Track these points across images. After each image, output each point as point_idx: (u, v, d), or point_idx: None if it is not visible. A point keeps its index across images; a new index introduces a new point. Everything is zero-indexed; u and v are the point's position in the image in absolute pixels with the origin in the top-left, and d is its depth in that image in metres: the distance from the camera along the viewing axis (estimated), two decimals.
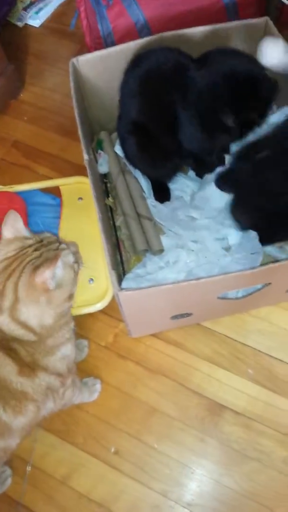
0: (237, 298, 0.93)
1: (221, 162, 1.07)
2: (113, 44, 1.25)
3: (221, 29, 1.05)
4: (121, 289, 0.78)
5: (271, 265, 0.80)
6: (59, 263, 0.68)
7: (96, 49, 1.14)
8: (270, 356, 1.00)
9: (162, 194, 1.14)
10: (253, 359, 1.00)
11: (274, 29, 1.06)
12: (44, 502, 0.89)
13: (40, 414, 0.76)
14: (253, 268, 0.79)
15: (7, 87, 1.36)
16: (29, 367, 0.71)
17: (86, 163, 0.92)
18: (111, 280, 0.79)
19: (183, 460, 0.91)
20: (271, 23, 1.07)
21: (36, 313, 0.69)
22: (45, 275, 0.66)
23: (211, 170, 1.09)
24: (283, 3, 1.22)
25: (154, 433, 0.94)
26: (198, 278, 0.78)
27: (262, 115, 0.89)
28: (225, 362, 1.00)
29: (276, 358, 1.00)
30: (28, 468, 0.91)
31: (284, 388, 0.97)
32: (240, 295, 0.94)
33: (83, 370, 1.00)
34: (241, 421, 0.94)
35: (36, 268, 0.67)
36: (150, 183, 1.15)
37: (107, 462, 0.92)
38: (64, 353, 0.77)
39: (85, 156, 0.93)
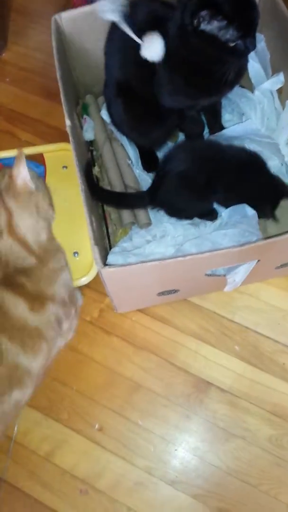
0: (224, 276, 0.90)
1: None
2: None
3: None
4: (104, 265, 0.74)
5: (260, 242, 0.77)
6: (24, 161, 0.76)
7: (82, 5, 1.06)
8: (257, 332, 0.99)
9: (150, 163, 1.09)
10: (239, 335, 0.98)
11: None
12: (27, 478, 0.88)
13: (51, 354, 0.80)
14: (241, 245, 0.76)
15: None
16: (38, 301, 0.76)
17: (68, 130, 0.87)
18: (94, 257, 0.75)
19: (167, 437, 0.90)
20: None
21: (30, 224, 0.76)
22: (22, 172, 0.74)
23: (200, 129, 1.04)
24: None
25: (138, 409, 0.93)
26: (184, 255, 0.75)
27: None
28: (212, 338, 0.98)
29: (262, 335, 0.98)
30: (11, 445, 0.90)
31: (269, 365, 0.96)
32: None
33: (66, 345, 0.98)
34: (227, 398, 0.93)
35: (10, 175, 0.76)
36: (137, 151, 1.10)
37: (90, 439, 0.91)
38: (64, 279, 0.84)
39: (67, 122, 0.87)
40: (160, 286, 0.88)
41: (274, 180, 0.92)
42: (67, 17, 0.98)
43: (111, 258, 0.95)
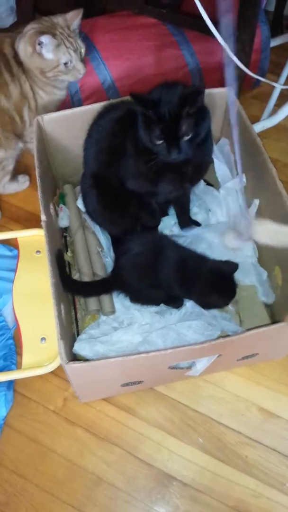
0: (188, 368, 0.92)
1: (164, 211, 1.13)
2: (79, 101, 1.27)
3: None
4: (68, 362, 0.76)
5: (221, 339, 0.81)
6: None
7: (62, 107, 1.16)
8: (221, 423, 0.99)
9: None
10: (203, 426, 0.99)
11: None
12: None
13: None
14: (202, 343, 0.79)
15: None
16: None
17: (43, 225, 0.92)
18: (59, 351, 0.77)
19: None
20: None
21: None
22: None
23: (154, 222, 1.11)
24: (245, 73, 1.28)
25: (99, 505, 0.90)
26: (148, 352, 0.78)
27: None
28: (176, 429, 0.98)
29: (226, 426, 0.99)
30: None
31: (232, 458, 0.96)
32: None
33: (27, 435, 0.96)
34: (189, 493, 0.92)
35: None
36: (109, 239, 1.16)
37: None
38: None
39: (43, 217, 0.92)
40: (124, 378, 0.89)
41: (214, 271, 0.95)
42: (48, 119, 1.06)
43: (77, 346, 0.97)
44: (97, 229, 1.15)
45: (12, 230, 1.23)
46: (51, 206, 1.07)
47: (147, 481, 0.93)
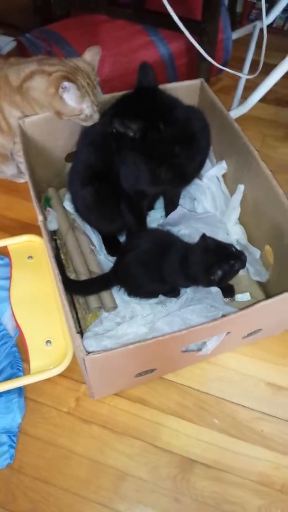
0: (199, 350, 0.94)
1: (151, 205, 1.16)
2: None
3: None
4: (88, 352, 0.76)
5: (233, 314, 0.83)
6: None
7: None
8: (232, 402, 1.02)
9: (113, 247, 1.15)
10: (217, 407, 1.01)
11: (208, 90, 1.14)
12: None
13: None
14: (215, 319, 0.81)
15: None
16: None
17: (40, 224, 0.91)
18: (76, 344, 0.77)
19: None
20: (205, 84, 1.15)
21: None
22: None
23: (140, 224, 1.11)
24: (212, 65, 1.32)
25: (126, 499, 0.90)
26: (163, 335, 0.79)
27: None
28: (191, 414, 1.00)
29: (238, 404, 1.01)
30: None
31: (249, 434, 0.98)
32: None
33: (44, 440, 0.95)
34: (213, 474, 0.93)
35: None
36: (100, 237, 1.16)
37: None
38: None
39: (39, 217, 0.92)
40: (139, 366, 0.90)
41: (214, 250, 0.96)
42: (29, 122, 1.06)
43: (86, 343, 0.96)
44: (87, 228, 1.16)
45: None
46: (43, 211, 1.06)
47: (170, 468, 0.93)
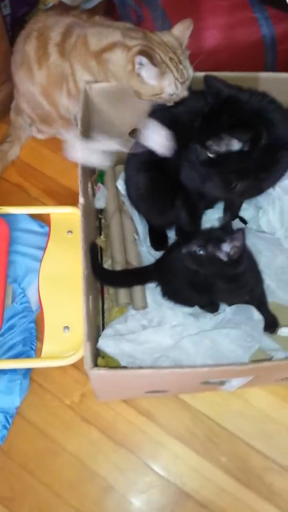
0: (221, 384, 0.83)
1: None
2: None
3: (252, 78, 0.96)
4: (93, 367, 0.68)
5: (265, 363, 0.72)
6: None
7: None
8: (247, 444, 0.91)
9: (159, 241, 1.05)
10: (228, 444, 0.91)
11: None
12: None
13: None
14: (242, 364, 0.70)
15: (12, 94, 1.26)
16: None
17: (80, 207, 0.83)
18: (85, 354, 0.69)
19: None
20: None
21: None
22: None
23: (193, 224, 0.99)
24: None
25: None
26: (182, 367, 0.70)
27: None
28: (198, 443, 0.91)
29: (253, 448, 0.91)
30: None
31: (255, 483, 0.88)
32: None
33: (39, 429, 0.90)
34: None
35: None
36: (147, 227, 1.06)
37: None
38: None
39: (80, 200, 0.83)
40: (149, 387, 0.81)
41: None
42: (97, 88, 0.96)
43: (102, 342, 0.89)
44: (135, 215, 1.06)
45: (45, 204, 1.15)
46: (89, 185, 0.98)
47: (161, 497, 0.86)
